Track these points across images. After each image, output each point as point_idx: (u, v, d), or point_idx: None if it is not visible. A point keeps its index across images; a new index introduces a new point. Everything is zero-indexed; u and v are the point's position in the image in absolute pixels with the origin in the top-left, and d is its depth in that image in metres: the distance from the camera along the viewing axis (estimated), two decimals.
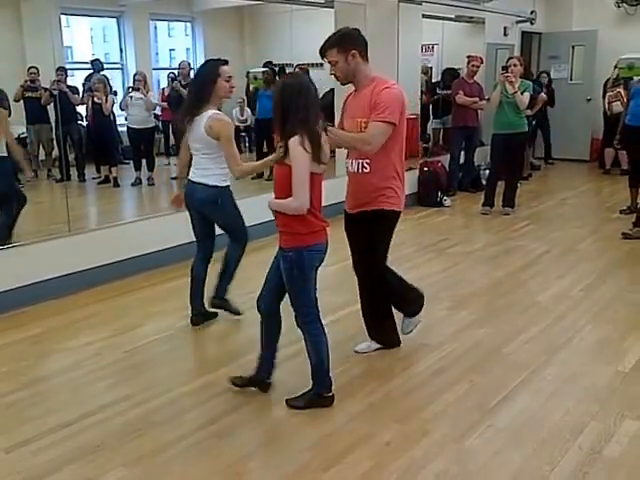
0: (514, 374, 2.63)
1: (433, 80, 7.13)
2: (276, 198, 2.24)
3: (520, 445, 2.12)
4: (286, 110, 2.14)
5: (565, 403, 2.40)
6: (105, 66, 6.30)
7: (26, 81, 4.96)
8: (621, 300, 3.54)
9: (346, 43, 2.54)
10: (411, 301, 2.88)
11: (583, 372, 2.67)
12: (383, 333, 2.86)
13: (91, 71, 6.09)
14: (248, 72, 6.73)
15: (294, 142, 2.12)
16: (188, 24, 7.46)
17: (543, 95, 6.71)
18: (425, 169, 6.07)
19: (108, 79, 5.94)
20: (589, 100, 6.94)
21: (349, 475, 1.98)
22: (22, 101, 5.09)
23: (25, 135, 5.33)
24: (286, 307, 2.42)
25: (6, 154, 3.75)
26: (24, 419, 2.35)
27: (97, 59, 6.41)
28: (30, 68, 4.92)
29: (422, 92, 6.62)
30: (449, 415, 2.34)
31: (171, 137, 6.28)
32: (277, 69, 6.98)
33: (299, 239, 2.22)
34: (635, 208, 5.13)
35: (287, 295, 2.35)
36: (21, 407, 2.45)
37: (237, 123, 8.30)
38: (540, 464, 2.01)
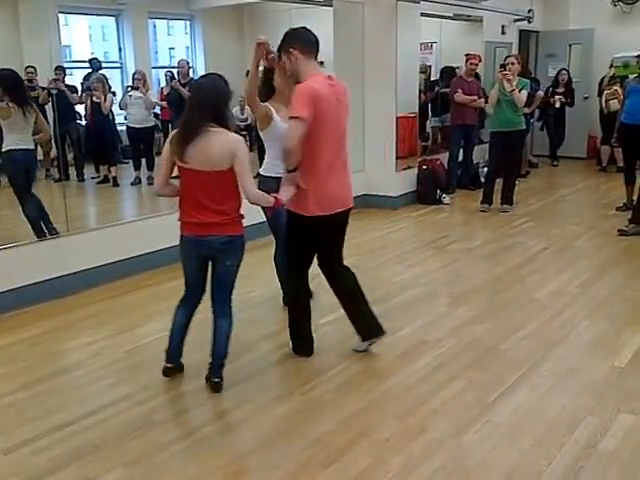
0: (512, 370, 2.65)
1: (432, 78, 7.15)
2: None
3: (517, 440, 2.15)
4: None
5: (562, 398, 2.42)
6: (104, 65, 6.28)
7: (24, 80, 4.94)
8: (617, 296, 3.57)
9: (286, 43, 2.53)
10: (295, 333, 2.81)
11: (580, 367, 2.69)
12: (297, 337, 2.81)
13: (89, 70, 6.08)
14: (248, 71, 6.72)
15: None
16: (188, 22, 7.44)
17: (540, 93, 6.73)
18: (424, 167, 6.09)
19: (107, 78, 5.94)
20: (586, 98, 6.98)
21: (349, 472, 2.00)
22: None
23: None
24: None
25: (32, 147, 3.82)
26: (24, 420, 2.36)
27: (95, 58, 6.40)
28: (28, 67, 4.89)
29: (421, 91, 6.64)
30: (447, 411, 2.36)
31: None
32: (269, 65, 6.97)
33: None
34: (631, 205, 5.16)
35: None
36: (21, 408, 2.46)
37: (238, 122, 8.32)
38: (537, 459, 2.04)
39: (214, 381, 2.51)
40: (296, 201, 2.52)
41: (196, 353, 2.72)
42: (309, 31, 2.58)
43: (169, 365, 2.62)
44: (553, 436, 2.16)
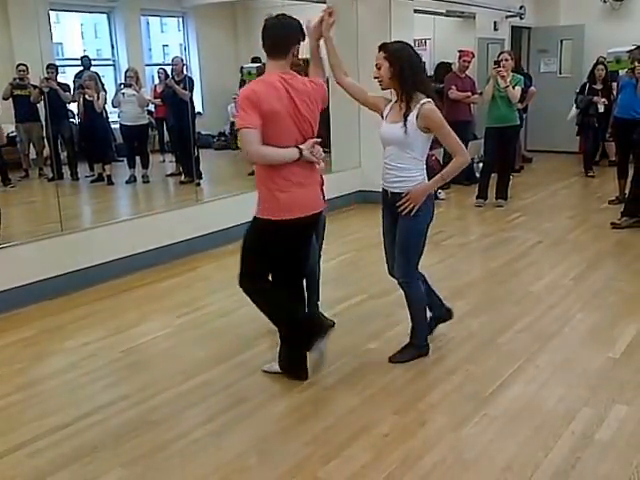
0: (508, 363, 2.68)
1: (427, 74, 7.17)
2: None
3: (515, 432, 2.17)
4: None
5: (558, 390, 2.44)
6: (97, 62, 6.26)
7: (15, 79, 4.91)
8: (611, 288, 3.61)
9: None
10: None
11: (575, 359, 2.72)
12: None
13: (81, 68, 6.05)
14: (242, 67, 6.71)
15: None
16: (181, 20, 7.41)
17: (533, 88, 6.77)
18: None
19: (99, 75, 5.90)
20: (577, 93, 7.04)
21: (349, 467, 2.01)
22: (11, 99, 5.04)
23: (15, 134, 5.28)
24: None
25: None
26: (20, 422, 2.35)
27: (86, 55, 6.36)
28: (19, 65, 4.86)
29: None
30: (446, 405, 2.38)
31: (165, 134, 6.26)
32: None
33: None
34: (623, 198, 5.21)
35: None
36: (17, 410, 2.45)
37: (232, 119, 8.29)
38: (534, 450, 2.06)
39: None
40: (263, 207, 2.39)
41: (198, 350, 2.72)
42: (283, 20, 2.40)
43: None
44: (550, 427, 2.18)
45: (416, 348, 2.73)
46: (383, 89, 2.56)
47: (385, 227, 2.71)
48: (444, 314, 2.90)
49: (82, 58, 6.29)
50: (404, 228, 2.56)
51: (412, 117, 2.43)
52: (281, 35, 2.37)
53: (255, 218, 2.45)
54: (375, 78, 2.50)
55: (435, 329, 2.88)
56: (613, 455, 2.03)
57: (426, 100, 2.44)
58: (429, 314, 2.83)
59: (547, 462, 1.99)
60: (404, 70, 2.42)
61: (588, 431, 2.16)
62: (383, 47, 2.49)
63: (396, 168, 2.52)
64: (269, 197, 2.38)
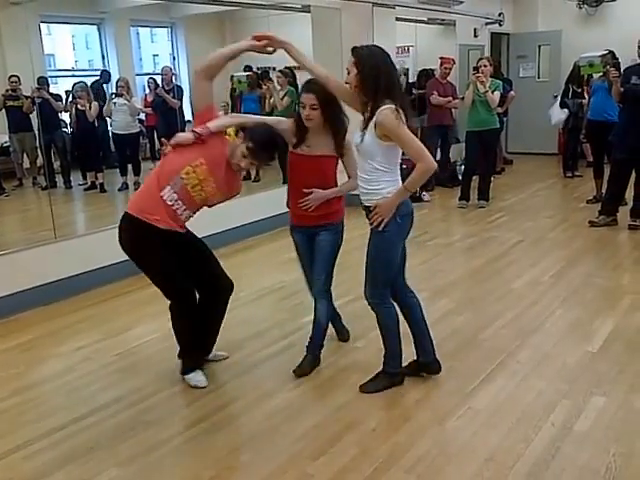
0: (490, 358, 2.75)
1: (410, 81, 7.30)
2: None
3: (497, 425, 2.23)
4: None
5: (538, 384, 2.52)
6: (88, 73, 6.31)
7: (7, 90, 4.94)
8: (589, 285, 3.71)
9: None
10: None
11: (554, 354, 2.80)
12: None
13: (97, 80, 6.14)
14: (232, 76, 6.79)
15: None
16: (170, 30, 7.48)
17: (512, 93, 6.93)
18: (404, 167, 6.18)
19: (87, 85, 5.94)
20: (555, 96, 7.20)
21: (337, 462, 2.06)
22: (4, 110, 5.08)
23: (8, 144, 5.31)
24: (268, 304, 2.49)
25: None
26: (16, 425, 2.38)
27: (105, 70, 6.44)
28: (11, 77, 4.89)
29: None
30: (430, 400, 2.44)
31: (156, 142, 6.31)
32: (259, 72, 7.05)
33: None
34: (600, 197, 5.35)
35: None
36: (13, 414, 2.47)
37: None
38: (516, 442, 2.12)
39: None
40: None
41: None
42: None
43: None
44: (530, 420, 2.25)
45: (389, 376, 2.53)
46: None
47: None
48: (429, 364, 2.63)
49: (102, 72, 6.34)
50: (371, 243, 2.41)
51: (371, 126, 2.28)
52: None
53: None
54: (346, 83, 2.37)
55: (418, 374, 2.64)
56: (591, 445, 2.10)
57: (386, 107, 2.23)
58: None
59: (528, 453, 2.06)
60: (369, 77, 2.24)
61: (567, 422, 2.23)
62: (353, 51, 2.32)
63: (362, 180, 2.38)
64: None
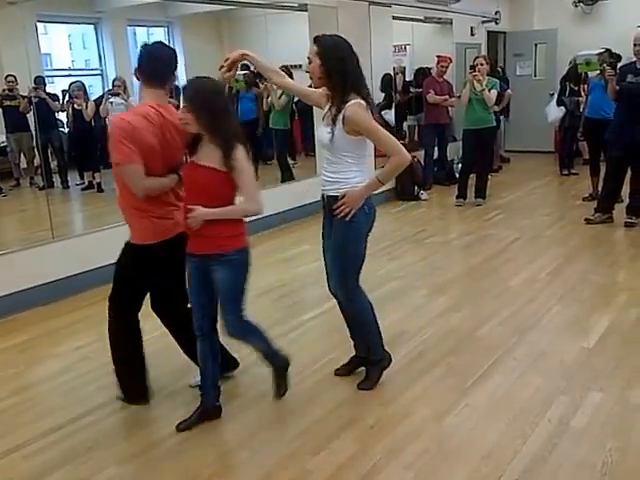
0: (488, 355, 2.77)
1: (406, 79, 7.31)
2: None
3: (494, 422, 2.25)
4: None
5: (535, 380, 2.54)
6: (85, 72, 6.30)
7: (4, 90, 4.94)
8: (585, 281, 3.73)
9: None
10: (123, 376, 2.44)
11: (551, 350, 2.82)
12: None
13: (74, 79, 6.12)
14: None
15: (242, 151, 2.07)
16: (166, 29, 7.49)
17: (509, 91, 6.96)
18: None
19: (84, 85, 5.94)
20: (552, 94, 7.23)
21: (336, 458, 2.07)
22: (1, 110, 5.08)
23: (5, 144, 5.31)
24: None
25: None
26: (15, 425, 2.38)
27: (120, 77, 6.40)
28: (7, 76, 4.89)
29: (397, 91, 6.79)
30: (429, 396, 2.46)
31: None
32: (256, 71, 7.07)
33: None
34: (596, 195, 5.37)
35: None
36: (12, 413, 2.48)
37: None
38: (513, 438, 2.14)
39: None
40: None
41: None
42: (167, 49, 2.30)
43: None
44: (528, 416, 2.27)
45: (378, 364, 2.52)
46: (315, 87, 2.36)
47: (325, 240, 2.45)
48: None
49: (114, 80, 6.27)
50: (338, 235, 2.31)
51: (340, 122, 2.21)
52: (165, 64, 2.24)
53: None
54: (307, 72, 2.31)
55: (352, 371, 2.63)
56: (588, 440, 2.12)
57: (353, 102, 2.18)
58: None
59: (525, 449, 2.08)
60: (335, 71, 2.17)
61: (564, 418, 2.25)
62: (316, 41, 2.23)
63: (331, 170, 2.31)
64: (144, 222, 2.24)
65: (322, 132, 2.31)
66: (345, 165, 2.29)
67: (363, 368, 2.62)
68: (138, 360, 2.47)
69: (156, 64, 2.23)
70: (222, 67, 2.37)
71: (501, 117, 7.73)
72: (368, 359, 2.55)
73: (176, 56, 2.29)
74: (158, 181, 2.23)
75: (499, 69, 7.84)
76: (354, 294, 2.40)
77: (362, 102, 2.20)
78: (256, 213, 2.17)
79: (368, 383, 2.52)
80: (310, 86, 2.47)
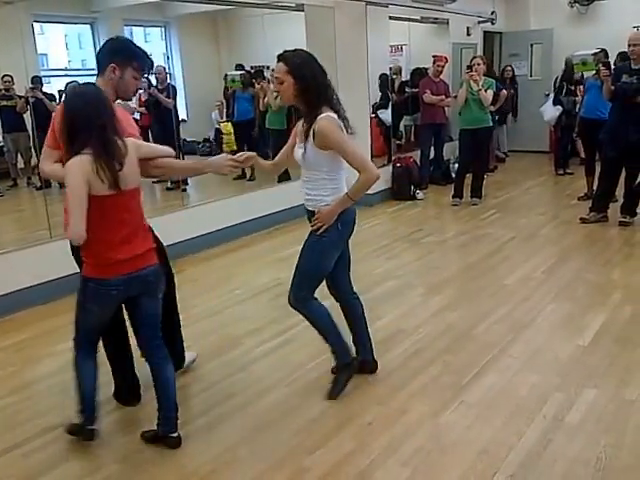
0: (484, 353, 2.79)
1: (403, 79, 7.34)
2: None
3: (490, 418, 2.27)
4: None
5: (530, 377, 2.56)
6: (82, 73, 6.29)
7: (0, 90, 4.93)
8: (580, 280, 3.77)
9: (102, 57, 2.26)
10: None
11: (546, 348, 2.85)
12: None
13: (70, 79, 6.10)
14: (226, 75, 6.81)
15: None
16: (163, 29, 7.48)
17: (504, 92, 7.00)
18: (398, 165, 6.27)
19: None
20: (547, 95, 7.27)
21: (334, 456, 2.09)
22: None
23: (2, 144, 5.30)
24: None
25: None
26: (14, 423, 2.39)
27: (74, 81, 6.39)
28: (4, 76, 4.89)
29: (393, 91, 6.82)
30: (425, 394, 2.48)
31: (151, 141, 6.32)
32: (253, 71, 7.08)
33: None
34: (591, 194, 5.40)
35: None
36: (10, 412, 2.49)
37: (217, 125, 8.35)
38: (509, 434, 2.16)
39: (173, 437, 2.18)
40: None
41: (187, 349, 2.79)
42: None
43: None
44: (523, 413, 2.29)
45: (345, 368, 2.50)
46: (284, 104, 2.37)
47: None
48: (366, 362, 2.63)
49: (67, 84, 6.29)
50: (307, 244, 2.38)
51: (311, 137, 2.21)
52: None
53: None
54: (275, 92, 2.32)
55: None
56: (582, 436, 2.14)
57: (323, 115, 2.18)
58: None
59: (521, 445, 2.10)
60: (312, 88, 2.17)
61: (559, 415, 2.27)
62: (284, 59, 2.20)
63: (308, 187, 2.35)
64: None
65: (296, 150, 2.34)
66: (320, 182, 2.30)
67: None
68: (126, 357, 2.49)
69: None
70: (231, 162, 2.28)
71: (508, 116, 7.80)
72: (337, 364, 2.53)
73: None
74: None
75: (509, 68, 7.80)
76: (305, 302, 2.41)
77: (333, 115, 2.20)
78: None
79: (336, 390, 2.48)
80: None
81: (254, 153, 2.39)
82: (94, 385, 2.18)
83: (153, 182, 6.12)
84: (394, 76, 6.84)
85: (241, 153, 2.36)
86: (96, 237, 1.98)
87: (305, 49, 2.31)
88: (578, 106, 6.26)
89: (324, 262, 2.38)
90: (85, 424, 2.18)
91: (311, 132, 2.20)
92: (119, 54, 2.26)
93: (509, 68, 7.83)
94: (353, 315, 2.60)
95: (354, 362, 2.55)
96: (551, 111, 6.74)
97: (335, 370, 2.63)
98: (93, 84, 2.15)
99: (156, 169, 2.21)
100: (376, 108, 6.24)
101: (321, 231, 2.32)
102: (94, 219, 1.95)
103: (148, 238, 2.14)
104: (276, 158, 2.54)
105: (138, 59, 2.28)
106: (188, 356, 2.74)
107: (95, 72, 2.30)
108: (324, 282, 2.52)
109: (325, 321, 2.44)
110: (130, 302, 2.14)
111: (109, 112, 1.99)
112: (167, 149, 2.26)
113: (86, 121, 1.93)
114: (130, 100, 2.51)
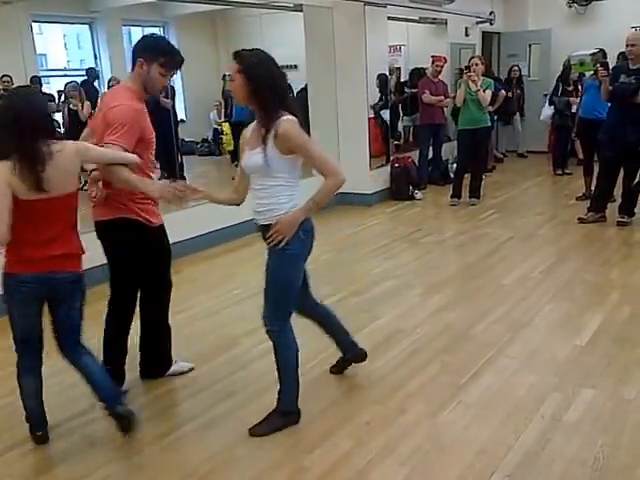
0: (482, 353, 2.80)
1: (401, 79, 7.34)
2: None
3: (488, 418, 2.28)
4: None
5: (528, 377, 2.57)
6: (80, 72, 6.30)
7: None
8: (578, 280, 3.77)
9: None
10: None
11: (544, 348, 2.85)
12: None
13: (69, 79, 6.12)
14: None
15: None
16: (162, 29, 7.50)
17: (503, 92, 7.01)
18: (396, 165, 6.28)
19: (80, 85, 5.93)
20: (546, 95, 7.28)
21: (332, 455, 2.09)
22: None
23: None
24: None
25: None
26: (13, 423, 2.38)
27: (92, 68, 6.40)
28: (3, 77, 4.89)
29: (392, 92, 6.82)
30: (423, 394, 2.48)
31: None
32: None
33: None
34: (589, 194, 5.41)
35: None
36: (9, 411, 2.48)
37: (215, 126, 8.36)
38: (507, 434, 2.17)
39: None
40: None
41: (186, 349, 2.79)
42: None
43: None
44: (521, 412, 2.30)
45: (283, 415, 2.26)
46: (240, 104, 2.26)
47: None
48: (357, 354, 2.59)
49: (88, 70, 6.30)
50: (270, 264, 2.19)
51: (271, 140, 2.05)
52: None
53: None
54: (229, 91, 2.28)
55: (345, 369, 2.64)
56: (580, 436, 2.15)
57: (284, 118, 2.05)
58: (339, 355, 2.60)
59: (519, 444, 2.10)
60: (264, 88, 2.03)
61: (557, 414, 2.28)
62: (238, 57, 2.07)
63: (261, 197, 2.14)
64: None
65: (250, 156, 2.14)
66: (277, 189, 2.12)
67: (353, 369, 2.64)
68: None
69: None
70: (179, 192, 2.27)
71: (516, 116, 7.80)
72: (277, 406, 2.29)
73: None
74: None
75: (516, 68, 7.77)
76: (281, 328, 2.24)
77: (293, 118, 2.07)
78: None
79: (259, 428, 2.24)
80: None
81: (202, 188, 2.32)
82: (36, 399, 2.26)
83: None
84: (389, 76, 6.85)
85: (182, 183, 2.33)
86: (21, 238, 2.01)
87: (262, 49, 2.14)
88: (574, 106, 6.28)
89: (293, 277, 2.20)
90: (32, 430, 2.25)
91: (271, 136, 2.05)
92: (148, 50, 2.34)
93: (516, 68, 7.83)
94: (328, 322, 2.54)
95: (296, 415, 2.31)
96: (546, 110, 6.82)
97: (334, 370, 2.64)
98: (28, 86, 2.20)
99: (109, 174, 2.26)
100: (379, 108, 6.23)
101: (283, 244, 2.11)
102: (21, 222, 1.97)
103: (71, 243, 2.16)
104: (235, 184, 2.32)
105: (165, 56, 2.34)
106: (184, 365, 2.75)
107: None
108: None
109: (292, 357, 2.26)
110: (48, 306, 2.19)
111: (33, 117, 1.97)
112: (126, 156, 2.23)
113: (3, 130, 1.96)
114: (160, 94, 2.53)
